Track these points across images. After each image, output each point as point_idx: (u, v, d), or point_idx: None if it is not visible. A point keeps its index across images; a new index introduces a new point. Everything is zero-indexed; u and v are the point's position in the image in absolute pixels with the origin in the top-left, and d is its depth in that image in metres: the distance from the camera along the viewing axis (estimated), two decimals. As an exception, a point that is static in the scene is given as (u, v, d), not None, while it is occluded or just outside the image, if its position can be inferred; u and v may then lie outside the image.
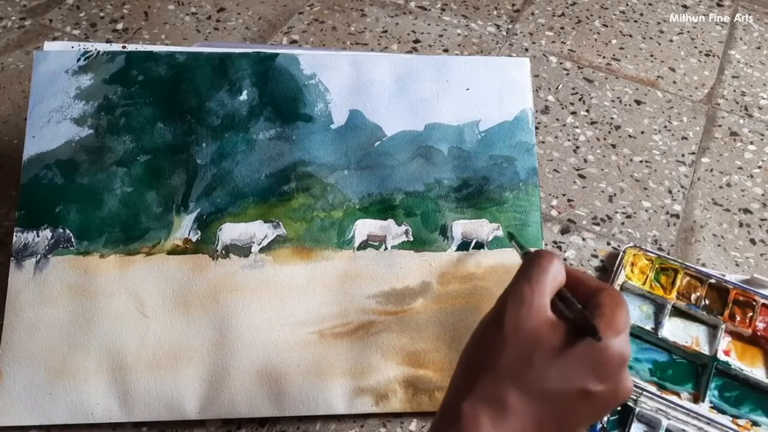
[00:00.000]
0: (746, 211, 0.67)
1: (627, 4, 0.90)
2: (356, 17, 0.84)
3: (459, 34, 0.83)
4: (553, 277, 0.37)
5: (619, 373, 0.35)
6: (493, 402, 0.34)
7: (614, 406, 0.36)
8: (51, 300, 0.52)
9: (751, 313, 0.56)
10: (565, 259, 0.62)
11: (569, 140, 0.72)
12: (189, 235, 0.55)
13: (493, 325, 0.36)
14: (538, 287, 0.36)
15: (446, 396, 0.37)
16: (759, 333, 0.55)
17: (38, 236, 0.54)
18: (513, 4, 0.89)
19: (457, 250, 0.56)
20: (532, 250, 0.44)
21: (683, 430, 0.50)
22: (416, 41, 0.82)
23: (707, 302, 0.57)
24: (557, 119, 0.74)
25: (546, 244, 0.62)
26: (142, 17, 0.83)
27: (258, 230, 0.55)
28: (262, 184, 0.57)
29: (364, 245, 0.56)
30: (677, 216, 0.66)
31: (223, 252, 0.54)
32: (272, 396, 0.50)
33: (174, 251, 0.54)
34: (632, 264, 0.59)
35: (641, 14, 0.89)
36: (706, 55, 0.84)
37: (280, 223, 0.55)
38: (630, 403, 0.51)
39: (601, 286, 0.38)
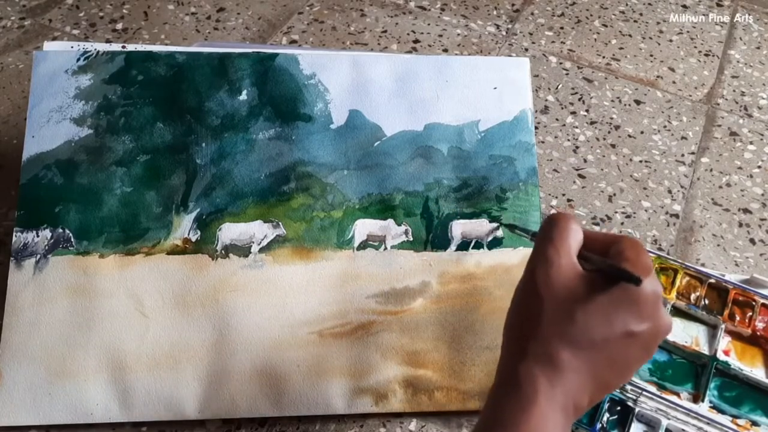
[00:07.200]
0: (746, 211, 0.67)
1: (627, 4, 0.90)
2: (356, 17, 0.84)
3: (458, 34, 0.83)
4: (574, 237, 0.38)
5: (656, 309, 0.36)
6: (546, 361, 0.35)
7: (658, 342, 0.37)
8: (50, 300, 0.52)
9: (750, 313, 0.56)
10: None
11: (569, 140, 0.72)
12: (189, 235, 0.55)
13: (528, 291, 0.38)
14: (562, 246, 0.37)
15: (499, 365, 0.38)
16: (758, 333, 0.55)
17: (38, 236, 0.54)
18: (513, 4, 0.88)
19: (457, 250, 0.56)
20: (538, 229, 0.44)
21: (683, 430, 0.50)
22: (416, 41, 0.82)
23: (707, 302, 0.57)
24: (557, 119, 0.74)
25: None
26: (141, 17, 0.83)
27: (257, 230, 0.55)
28: (262, 184, 0.57)
29: (363, 245, 0.56)
30: (677, 216, 0.66)
31: (223, 252, 0.54)
32: (272, 396, 0.50)
33: (174, 251, 0.54)
34: (632, 264, 0.59)
35: (641, 14, 0.89)
36: (706, 55, 0.84)
37: (280, 223, 0.55)
38: (630, 403, 0.51)
39: (615, 237, 0.39)
